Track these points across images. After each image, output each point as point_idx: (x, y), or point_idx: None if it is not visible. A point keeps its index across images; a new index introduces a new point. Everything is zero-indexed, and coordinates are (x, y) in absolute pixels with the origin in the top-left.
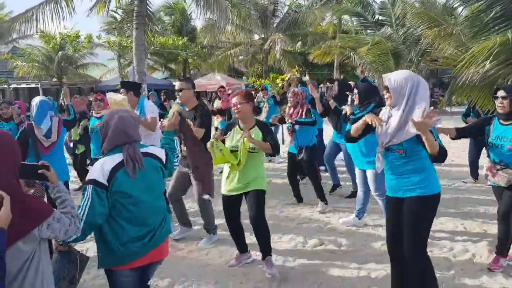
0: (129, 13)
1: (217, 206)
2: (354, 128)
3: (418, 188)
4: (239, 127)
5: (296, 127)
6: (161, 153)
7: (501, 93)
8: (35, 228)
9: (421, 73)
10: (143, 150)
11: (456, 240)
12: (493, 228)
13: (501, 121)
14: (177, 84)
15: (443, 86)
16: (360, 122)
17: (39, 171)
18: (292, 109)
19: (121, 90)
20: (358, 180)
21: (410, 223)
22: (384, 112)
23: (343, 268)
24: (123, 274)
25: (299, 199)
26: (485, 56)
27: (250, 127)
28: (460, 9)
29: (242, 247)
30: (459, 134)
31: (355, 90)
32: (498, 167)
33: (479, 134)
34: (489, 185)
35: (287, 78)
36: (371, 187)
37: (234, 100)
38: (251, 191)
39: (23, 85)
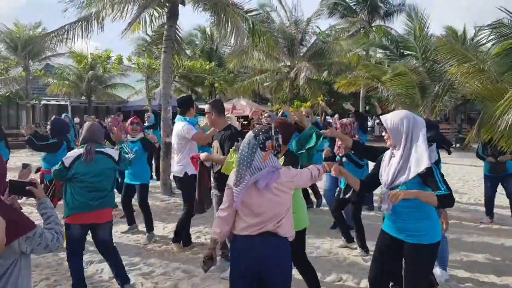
0: (159, 35)
1: None
2: None
3: (418, 235)
4: None
5: (344, 160)
6: (113, 153)
7: None
8: (14, 240)
9: (447, 108)
10: (99, 149)
11: None
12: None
13: None
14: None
15: (471, 122)
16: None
17: (27, 188)
18: (340, 141)
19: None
20: None
21: (408, 271)
22: (387, 153)
23: None
24: (71, 227)
25: (349, 239)
26: None
27: None
28: (489, 45)
29: None
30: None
31: None
32: None
33: None
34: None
35: (310, 105)
36: None
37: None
38: None
39: (53, 102)
